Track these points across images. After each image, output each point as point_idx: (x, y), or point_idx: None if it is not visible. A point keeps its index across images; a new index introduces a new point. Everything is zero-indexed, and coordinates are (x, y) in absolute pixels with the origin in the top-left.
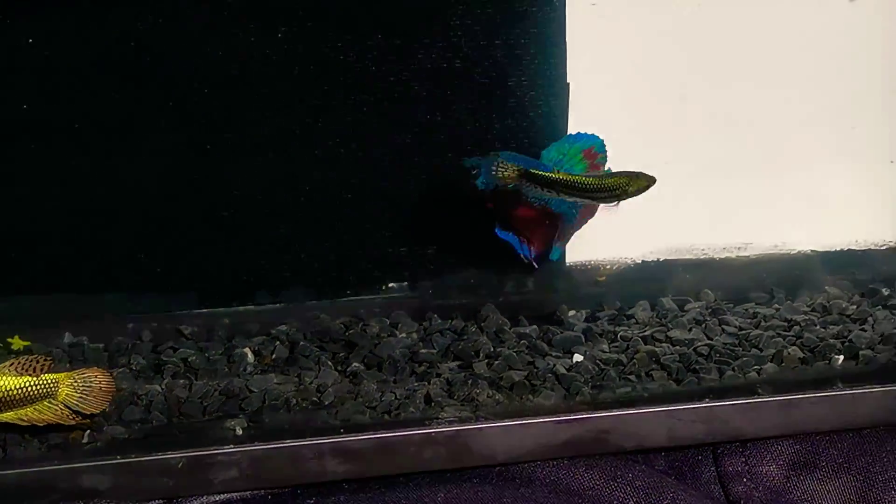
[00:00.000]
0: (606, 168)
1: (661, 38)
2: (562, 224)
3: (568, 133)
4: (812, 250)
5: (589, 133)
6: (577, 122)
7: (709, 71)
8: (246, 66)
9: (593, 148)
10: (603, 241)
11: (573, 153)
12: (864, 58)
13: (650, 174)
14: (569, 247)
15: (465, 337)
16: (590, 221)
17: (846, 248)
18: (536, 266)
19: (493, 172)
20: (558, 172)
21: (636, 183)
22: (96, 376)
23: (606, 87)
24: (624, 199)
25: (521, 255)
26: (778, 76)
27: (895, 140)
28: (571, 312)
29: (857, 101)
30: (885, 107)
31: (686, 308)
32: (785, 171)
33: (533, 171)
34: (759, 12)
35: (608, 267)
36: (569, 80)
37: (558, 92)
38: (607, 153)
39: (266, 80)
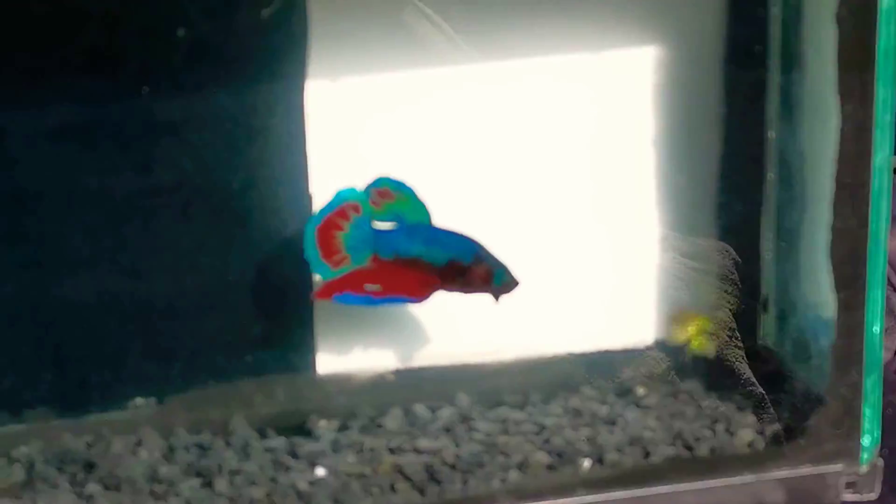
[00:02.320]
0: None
1: (402, 153)
2: None
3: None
4: (570, 352)
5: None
6: None
7: (457, 192)
8: None
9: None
10: (358, 349)
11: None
12: (616, 156)
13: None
14: (320, 355)
15: (211, 452)
16: (345, 328)
17: (606, 349)
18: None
19: None
20: None
21: None
22: None
23: None
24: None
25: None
26: (522, 180)
27: (655, 241)
28: (322, 423)
29: (609, 203)
30: (639, 210)
31: (438, 414)
32: (542, 273)
33: None
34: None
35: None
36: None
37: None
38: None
39: None
